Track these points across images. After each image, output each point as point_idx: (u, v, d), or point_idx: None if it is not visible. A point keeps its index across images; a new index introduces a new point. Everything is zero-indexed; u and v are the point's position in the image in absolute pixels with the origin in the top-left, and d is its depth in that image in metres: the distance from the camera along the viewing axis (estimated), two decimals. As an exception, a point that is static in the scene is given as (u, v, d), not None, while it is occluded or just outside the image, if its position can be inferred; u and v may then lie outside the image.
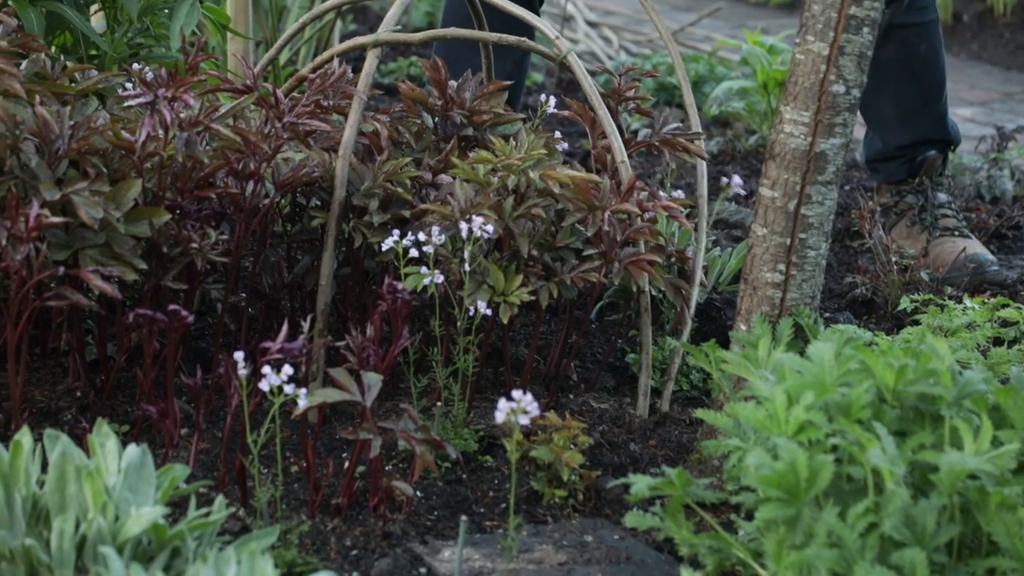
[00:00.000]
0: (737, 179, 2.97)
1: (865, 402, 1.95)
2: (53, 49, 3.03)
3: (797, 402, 1.96)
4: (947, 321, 2.75)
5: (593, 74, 3.32)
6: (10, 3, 2.79)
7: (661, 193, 2.71)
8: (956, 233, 3.62)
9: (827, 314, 3.25)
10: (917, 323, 2.99)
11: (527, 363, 2.67)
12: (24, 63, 2.49)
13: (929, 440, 1.93)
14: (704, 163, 2.94)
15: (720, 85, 4.76)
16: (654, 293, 2.83)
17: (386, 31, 2.78)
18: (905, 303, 3.09)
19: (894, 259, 3.38)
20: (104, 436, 1.94)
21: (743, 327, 2.48)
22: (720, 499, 2.22)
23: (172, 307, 2.24)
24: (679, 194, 2.90)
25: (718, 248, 3.29)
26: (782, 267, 2.44)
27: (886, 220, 3.70)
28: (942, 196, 3.69)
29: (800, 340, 2.41)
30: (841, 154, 2.42)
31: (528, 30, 3.18)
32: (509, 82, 2.91)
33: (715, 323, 3.07)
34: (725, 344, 2.57)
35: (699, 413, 2.18)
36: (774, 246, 2.44)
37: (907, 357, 2.03)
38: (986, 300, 2.83)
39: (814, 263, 2.45)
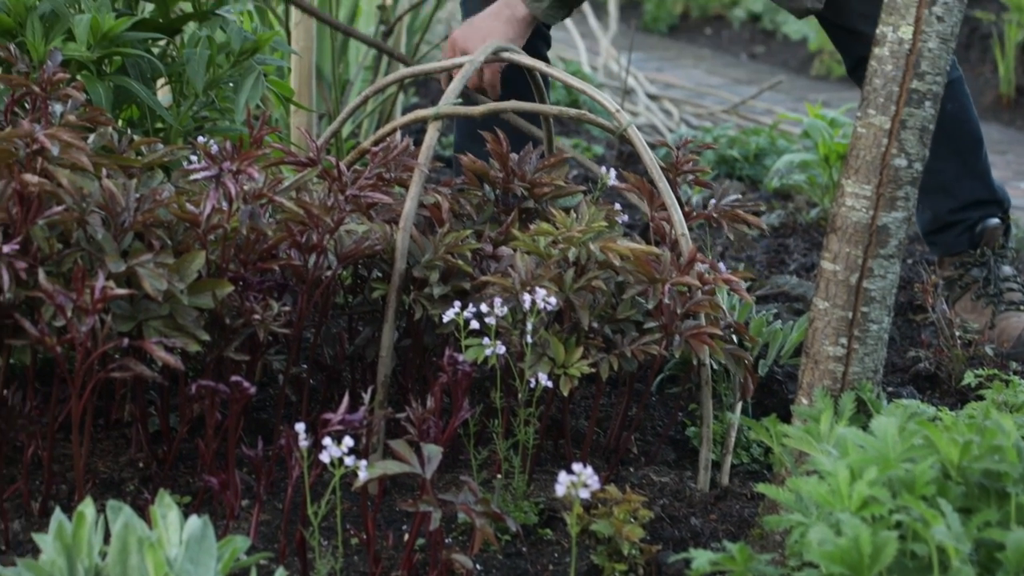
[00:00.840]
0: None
1: (929, 478, 1.93)
2: (120, 122, 3.07)
3: (860, 477, 1.95)
4: (1012, 397, 2.72)
5: (653, 147, 3.30)
6: (79, 77, 2.84)
7: (721, 265, 2.71)
8: (1022, 307, 3.58)
9: (890, 388, 3.22)
10: (982, 398, 2.96)
11: (587, 436, 2.67)
12: (92, 137, 2.52)
13: (995, 517, 1.91)
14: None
15: (781, 158, 4.76)
16: (714, 366, 2.82)
17: (447, 104, 2.80)
18: (969, 378, 3.06)
19: (958, 333, 3.35)
20: (166, 507, 1.95)
21: (805, 401, 2.46)
22: (782, 575, 2.20)
23: (234, 378, 2.25)
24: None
25: (779, 321, 3.27)
26: (844, 341, 2.43)
27: (950, 294, 3.66)
28: (1007, 269, 3.64)
29: (863, 415, 2.39)
30: (903, 228, 2.41)
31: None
32: (569, 155, 2.92)
33: (776, 397, 3.05)
34: (786, 418, 2.55)
35: (761, 488, 2.17)
36: (836, 320, 2.42)
37: (972, 433, 2.01)
38: (1052, 375, 2.81)
39: (876, 337, 2.44)
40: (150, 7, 3.15)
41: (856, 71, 3.45)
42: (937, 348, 3.37)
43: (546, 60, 3.54)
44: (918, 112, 2.37)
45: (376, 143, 2.87)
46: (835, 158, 4.49)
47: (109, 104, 2.84)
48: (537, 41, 3.47)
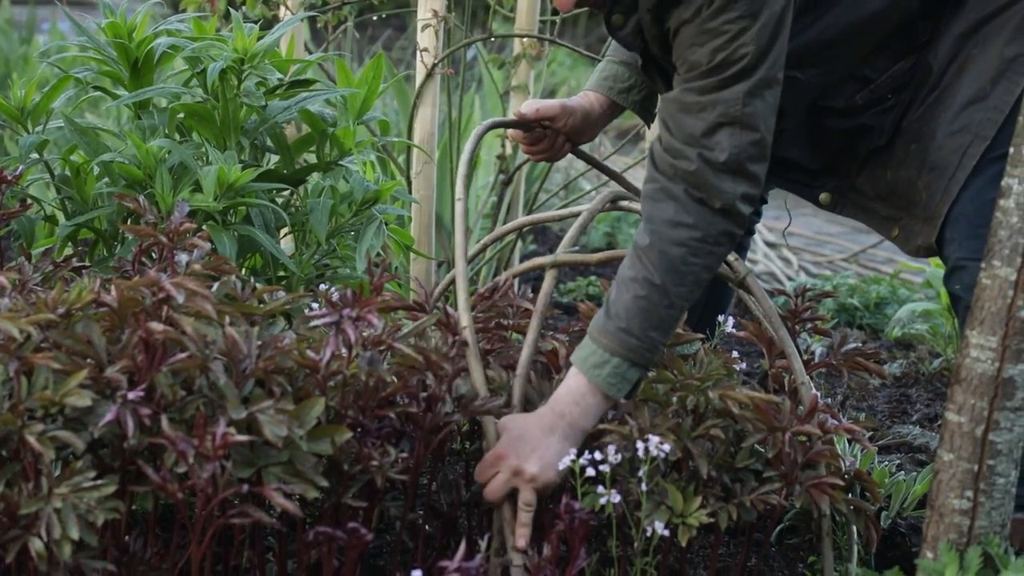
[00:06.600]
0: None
1: (1061, 637, 1.87)
2: (244, 271, 3.13)
3: (988, 635, 1.90)
4: None
5: (772, 295, 3.29)
6: (205, 227, 2.90)
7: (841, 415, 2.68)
8: None
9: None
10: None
11: (706, 588, 2.63)
12: (215, 285, 2.57)
13: None
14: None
15: (903, 307, 4.72)
16: (835, 517, 2.77)
17: (563, 252, 2.82)
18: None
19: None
20: (281, 654, 1.94)
21: (929, 554, 2.41)
22: None
23: (351, 525, 2.25)
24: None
25: (902, 472, 3.22)
26: (970, 494, 2.38)
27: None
28: None
29: (990, 570, 2.34)
30: (1031, 379, 2.36)
31: None
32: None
33: (899, 549, 2.99)
34: (910, 572, 2.50)
35: (885, 644, 2.12)
36: (961, 472, 2.38)
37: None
38: None
39: (1003, 490, 2.38)
40: (275, 158, 3.23)
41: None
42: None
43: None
44: (1042, 261, 2.34)
45: (493, 291, 2.89)
46: (957, 306, 4.43)
47: (233, 253, 2.90)
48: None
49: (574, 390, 2.58)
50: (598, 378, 2.57)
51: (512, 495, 2.53)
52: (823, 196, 3.03)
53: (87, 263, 2.94)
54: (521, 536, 2.49)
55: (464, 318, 2.64)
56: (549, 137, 3.04)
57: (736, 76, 2.54)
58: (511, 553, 2.47)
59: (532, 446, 2.52)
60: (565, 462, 2.45)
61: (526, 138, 3.04)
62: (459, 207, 2.82)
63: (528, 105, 3.00)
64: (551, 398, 2.59)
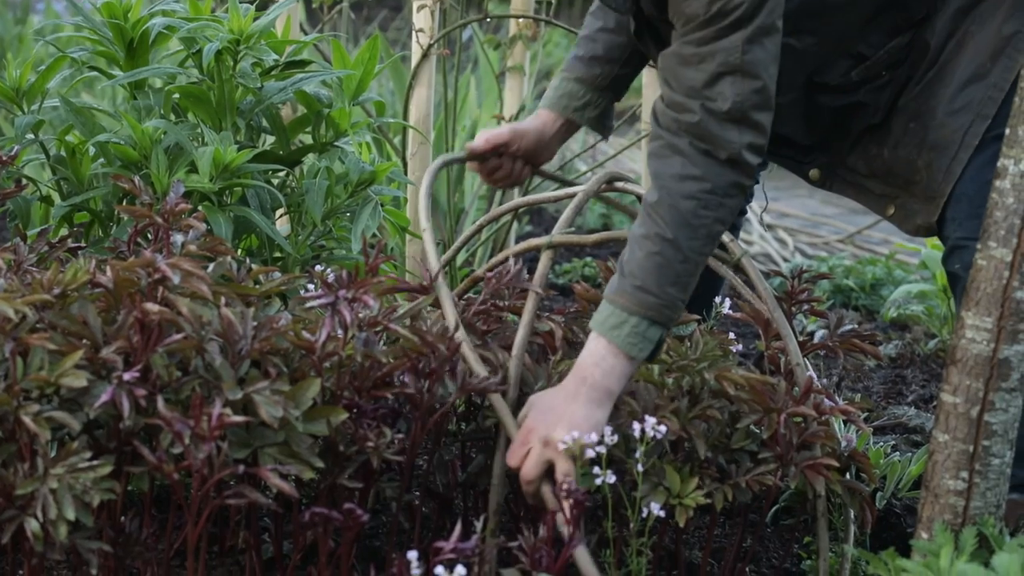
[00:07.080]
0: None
1: (1055, 617, 1.88)
2: (239, 252, 3.12)
3: (983, 616, 1.90)
4: None
5: (768, 276, 3.29)
6: (200, 208, 2.89)
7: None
8: None
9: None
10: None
11: (702, 567, 2.63)
12: (211, 266, 2.57)
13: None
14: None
15: (899, 288, 4.72)
16: (830, 497, 2.78)
17: (560, 233, 2.82)
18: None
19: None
20: (277, 635, 1.95)
21: (924, 535, 2.41)
22: None
23: (347, 506, 2.25)
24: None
25: (897, 453, 3.22)
26: (965, 475, 2.38)
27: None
28: None
29: (985, 551, 2.34)
30: (1026, 360, 2.37)
31: None
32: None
33: (895, 530, 2.99)
34: (905, 552, 2.50)
35: (880, 625, 2.12)
36: (956, 453, 2.38)
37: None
38: None
39: (998, 471, 2.39)
40: (271, 139, 3.22)
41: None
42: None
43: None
44: (1038, 242, 2.34)
45: (489, 271, 2.89)
46: (953, 288, 4.43)
47: (229, 234, 2.89)
48: None
49: (594, 353, 2.54)
50: (618, 338, 2.54)
51: (549, 474, 2.50)
52: (812, 172, 3.03)
53: (83, 244, 2.94)
54: None
55: (451, 322, 2.64)
56: (505, 164, 3.04)
57: (734, 24, 2.52)
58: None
59: (558, 415, 2.50)
60: (560, 446, 2.45)
61: (482, 168, 3.04)
62: (426, 237, 2.80)
63: (479, 137, 3.01)
64: (573, 366, 2.57)
